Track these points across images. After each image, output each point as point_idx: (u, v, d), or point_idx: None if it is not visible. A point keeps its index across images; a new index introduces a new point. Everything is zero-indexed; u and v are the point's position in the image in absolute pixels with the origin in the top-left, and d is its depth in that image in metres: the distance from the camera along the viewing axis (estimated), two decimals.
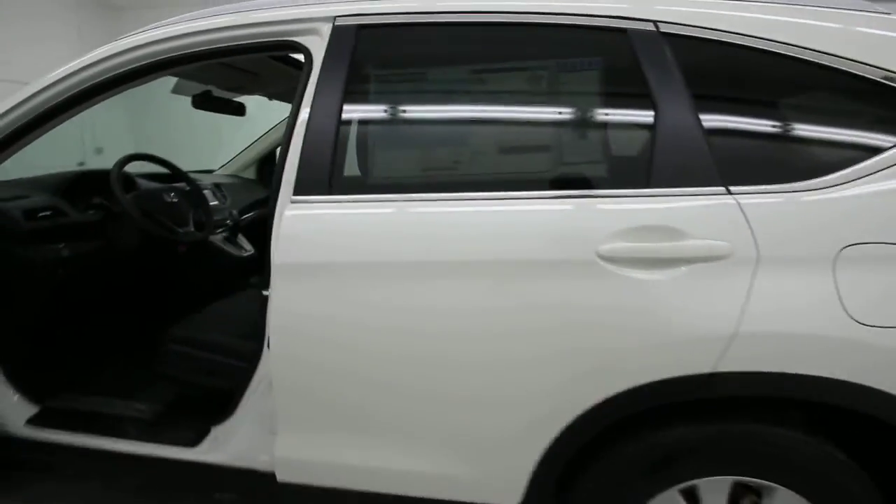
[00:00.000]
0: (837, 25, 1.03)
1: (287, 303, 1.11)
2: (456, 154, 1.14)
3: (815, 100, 1.07)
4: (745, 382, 0.98)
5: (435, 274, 1.04)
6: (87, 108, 1.36)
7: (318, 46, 1.21)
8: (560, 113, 1.16)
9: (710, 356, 0.97)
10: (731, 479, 1.06)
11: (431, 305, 1.05)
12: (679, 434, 1.05)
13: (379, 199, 1.10)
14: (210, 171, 2.85)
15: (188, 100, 1.95)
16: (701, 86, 1.04)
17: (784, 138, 1.06)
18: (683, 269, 0.99)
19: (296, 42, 1.24)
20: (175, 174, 2.01)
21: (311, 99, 1.16)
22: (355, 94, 1.16)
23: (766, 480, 1.03)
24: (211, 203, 2.09)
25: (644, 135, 1.05)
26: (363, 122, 1.19)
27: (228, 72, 1.77)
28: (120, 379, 1.73)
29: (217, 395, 1.47)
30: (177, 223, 1.78)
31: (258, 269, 2.32)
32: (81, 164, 4.67)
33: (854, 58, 0.99)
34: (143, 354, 1.64)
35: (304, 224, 1.11)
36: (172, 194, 1.84)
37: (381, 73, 1.18)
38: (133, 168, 1.91)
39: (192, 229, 1.85)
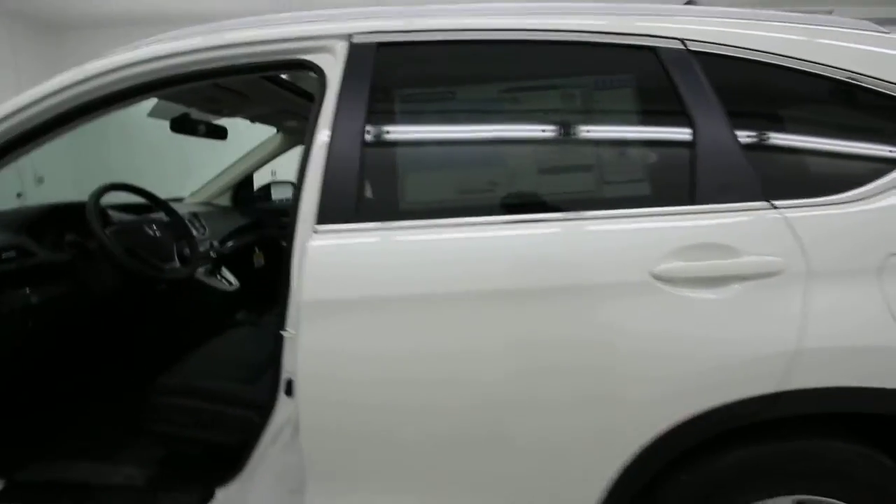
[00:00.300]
0: (861, 46, 1.06)
1: (320, 343, 1.01)
2: (490, 175, 1.08)
3: (844, 114, 1.08)
4: (810, 399, 0.96)
5: (483, 304, 0.97)
6: (63, 132, 1.21)
7: (331, 65, 1.12)
8: (597, 131, 1.12)
9: (775, 375, 0.95)
10: (789, 499, 1.03)
11: (482, 339, 0.97)
12: (736, 458, 1.02)
13: (413, 226, 1.02)
14: (179, 200, 2.66)
15: (149, 123, 1.80)
16: (732, 102, 1.04)
17: (819, 152, 1.07)
18: (738, 286, 0.96)
19: (306, 61, 1.15)
20: (156, 205, 1.83)
21: (330, 121, 1.07)
22: (379, 115, 1.08)
23: (824, 496, 1.01)
24: None
25: (684, 151, 1.04)
26: (389, 145, 1.11)
27: (215, 92, 1.64)
28: (103, 441, 1.52)
29: (219, 452, 1.31)
30: (161, 259, 1.61)
31: (244, 303, 2.16)
32: (20, 195, 4.29)
33: (875, 76, 1.02)
34: (128, 410, 1.45)
35: (334, 256, 1.01)
36: (154, 227, 1.67)
37: (405, 93, 1.11)
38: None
39: (178, 265, 1.68)
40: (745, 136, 1.03)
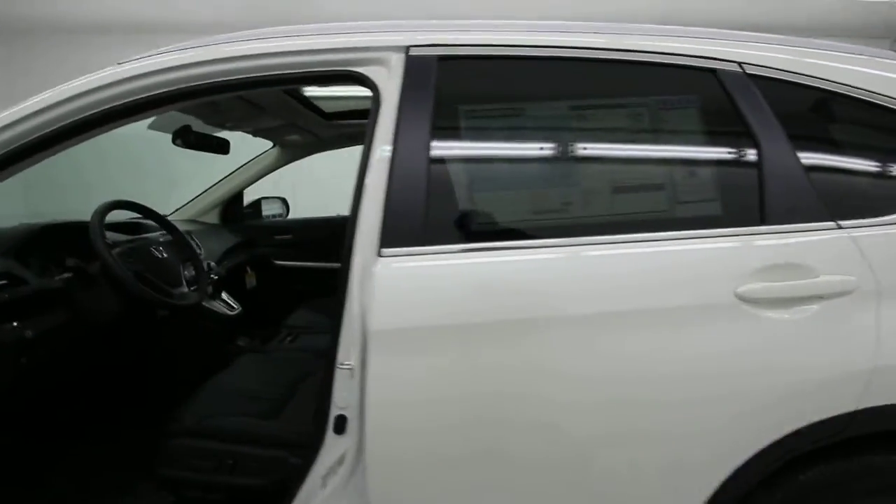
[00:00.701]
0: None
1: (394, 376, 0.93)
2: (563, 195, 1.05)
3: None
4: (884, 416, 0.96)
5: (567, 331, 0.92)
6: (78, 142, 1.08)
7: (385, 78, 1.06)
8: (667, 151, 1.11)
9: (853, 393, 0.95)
10: None
11: (567, 367, 0.92)
12: (808, 478, 1.01)
13: (487, 248, 0.96)
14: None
15: (122, 133, 1.64)
16: (791, 125, 1.06)
17: (877, 174, 1.10)
18: (816, 306, 0.96)
19: (357, 73, 1.08)
20: (160, 224, 1.67)
21: (389, 138, 1.00)
22: (444, 132, 1.03)
23: None
24: None
25: (752, 172, 1.04)
26: (457, 164, 1.05)
27: (226, 103, 1.53)
28: (112, 494, 1.35)
29: (247, 497, 1.19)
30: (169, 283, 1.47)
31: (242, 328, 2.01)
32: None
33: None
34: (134, 452, 1.29)
35: (406, 282, 0.94)
36: (160, 248, 1.52)
37: (470, 109, 1.06)
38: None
39: (186, 289, 1.54)
40: (805, 158, 1.04)
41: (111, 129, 1.12)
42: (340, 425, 1.05)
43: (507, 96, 1.08)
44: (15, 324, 1.16)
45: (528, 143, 1.10)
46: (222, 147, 1.83)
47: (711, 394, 0.94)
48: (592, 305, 0.93)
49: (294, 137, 2.20)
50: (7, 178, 1.08)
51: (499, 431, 0.94)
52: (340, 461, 1.05)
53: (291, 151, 2.39)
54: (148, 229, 1.86)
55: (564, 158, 1.09)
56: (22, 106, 1.07)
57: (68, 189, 3.30)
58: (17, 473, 1.30)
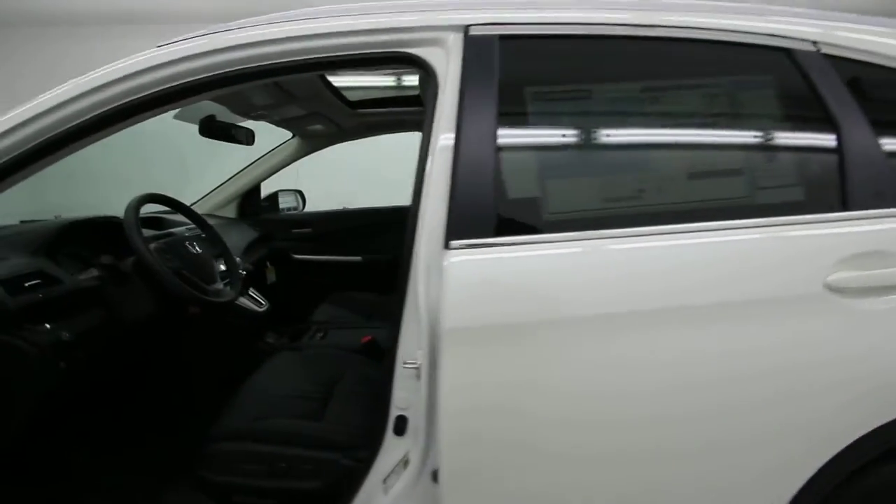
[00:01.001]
0: None
1: (470, 376, 0.87)
2: (638, 182, 0.99)
3: None
4: None
5: (654, 326, 0.87)
6: (115, 132, 1.01)
7: (443, 60, 1.00)
8: (745, 134, 1.05)
9: None
10: None
11: (656, 365, 0.87)
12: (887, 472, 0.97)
13: (563, 239, 0.90)
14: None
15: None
16: (869, 107, 1.01)
17: None
18: None
19: (411, 54, 1.02)
20: (191, 218, 1.60)
21: (452, 124, 0.94)
22: (511, 116, 0.97)
23: None
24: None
25: (832, 155, 0.98)
26: (527, 150, 1.00)
27: (256, 91, 1.46)
28: (149, 498, 1.30)
29: (304, 502, 1.14)
30: (205, 280, 1.40)
31: (270, 324, 1.95)
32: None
33: None
34: (179, 461, 1.24)
35: (483, 275, 0.88)
36: (194, 244, 1.45)
37: (538, 91, 1.00)
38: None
39: (222, 286, 1.47)
40: (887, 142, 0.99)
41: (149, 116, 1.05)
42: (401, 426, 1.00)
43: (575, 78, 1.02)
44: (49, 326, 1.10)
45: (599, 127, 1.04)
46: (248, 137, 1.76)
47: (802, 388, 0.89)
48: (678, 298, 0.88)
49: (317, 127, 2.13)
50: (40, 170, 1.01)
51: (594, 436, 0.89)
52: (403, 464, 1.00)
53: (312, 142, 2.32)
54: (170, 224, 1.79)
55: (637, 143, 1.04)
56: (53, 94, 1.00)
57: (77, 182, 3.21)
58: (53, 478, 1.25)
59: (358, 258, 2.59)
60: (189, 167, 3.17)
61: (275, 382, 1.42)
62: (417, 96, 2.27)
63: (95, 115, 0.98)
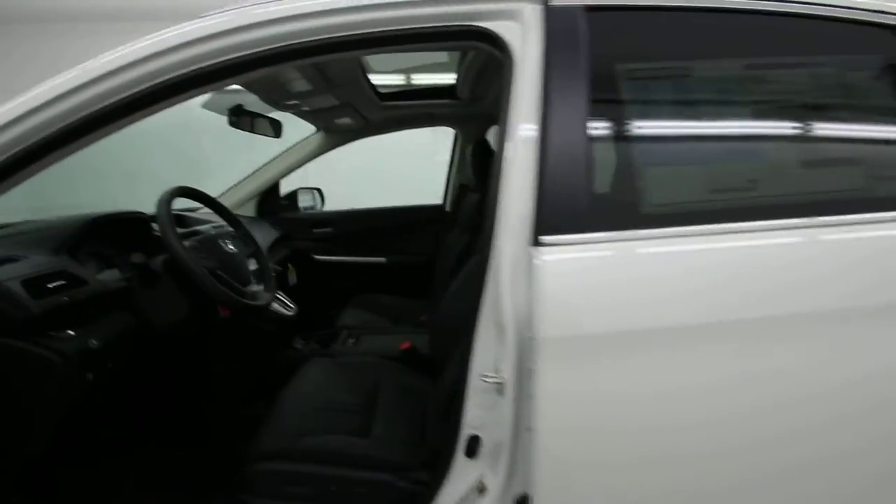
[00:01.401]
0: None
1: (578, 394, 0.76)
2: (752, 172, 0.87)
3: None
4: None
5: (791, 332, 0.77)
6: (146, 115, 0.89)
7: (518, 36, 0.88)
8: (881, 118, 0.94)
9: None
10: None
11: (797, 376, 0.77)
12: None
13: (675, 234, 0.79)
14: (192, 210, 2.29)
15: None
16: None
17: None
18: None
19: (482, 28, 0.91)
20: (221, 215, 1.48)
21: (535, 108, 0.83)
22: (605, 99, 0.85)
23: None
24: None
25: None
26: (625, 136, 0.88)
27: (290, 76, 1.35)
28: None
29: None
30: (240, 281, 1.29)
31: (299, 329, 1.83)
32: None
33: None
34: (213, 477, 1.12)
35: (584, 276, 0.77)
36: (228, 242, 1.34)
37: (633, 70, 0.88)
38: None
39: (257, 288, 1.36)
40: None
41: (176, 102, 0.93)
42: (473, 447, 0.89)
43: (673, 54, 0.90)
44: (72, 332, 0.99)
45: (704, 110, 0.92)
46: (276, 129, 1.65)
47: None
48: (836, 301, 0.78)
49: (345, 120, 2.02)
50: (73, 153, 0.89)
51: (723, 464, 0.78)
52: (478, 490, 0.89)
53: (337, 137, 2.21)
54: (195, 222, 1.68)
55: (749, 129, 0.92)
56: (63, 78, 0.87)
57: (82, 177, 3.07)
58: (78, 497, 1.13)
59: (382, 259, 2.48)
60: (203, 163, 3.05)
61: (312, 394, 1.31)
62: (450, 87, 2.18)
63: (118, 101, 0.85)
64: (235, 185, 2.31)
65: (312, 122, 2.08)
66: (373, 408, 1.28)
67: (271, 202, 2.38)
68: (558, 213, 0.80)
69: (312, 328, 1.92)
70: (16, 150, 0.83)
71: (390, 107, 2.05)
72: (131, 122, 0.90)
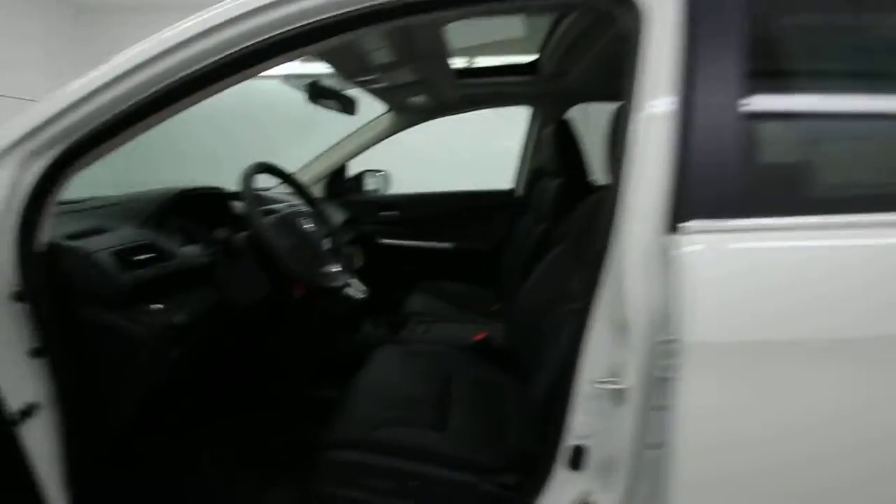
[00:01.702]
0: None
1: (734, 407, 0.65)
2: None
3: None
4: None
5: None
6: (239, 80, 0.84)
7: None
8: None
9: None
10: None
11: None
12: None
13: (854, 223, 0.65)
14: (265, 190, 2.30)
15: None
16: None
17: None
18: None
19: None
20: (300, 193, 1.45)
21: (671, 76, 0.71)
22: (762, 69, 0.71)
23: None
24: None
25: None
26: (787, 114, 0.74)
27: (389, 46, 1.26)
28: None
29: None
30: (318, 261, 1.25)
31: (367, 314, 1.79)
32: None
33: None
34: (287, 459, 1.09)
35: (745, 271, 0.64)
36: (306, 221, 1.30)
37: (797, 35, 0.74)
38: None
39: (334, 268, 1.32)
40: None
41: (272, 65, 0.86)
42: (578, 459, 0.79)
43: (852, 9, 0.75)
44: (160, 306, 0.97)
45: (886, 77, 0.77)
46: (351, 106, 1.60)
47: None
48: None
49: (419, 99, 1.94)
50: (155, 125, 0.85)
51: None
52: None
53: (408, 117, 2.14)
54: (269, 201, 1.66)
55: None
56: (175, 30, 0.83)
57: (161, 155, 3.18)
58: (158, 472, 1.14)
59: (448, 245, 2.40)
60: (279, 142, 3.06)
61: (385, 383, 1.25)
62: (529, 64, 2.05)
63: (210, 64, 0.80)
64: (306, 165, 2.30)
65: (386, 101, 2.01)
66: (447, 401, 1.21)
67: (338, 184, 2.36)
68: (708, 195, 0.67)
69: (378, 313, 1.87)
70: (99, 121, 0.81)
71: (466, 84, 1.95)
72: (210, 94, 0.85)
